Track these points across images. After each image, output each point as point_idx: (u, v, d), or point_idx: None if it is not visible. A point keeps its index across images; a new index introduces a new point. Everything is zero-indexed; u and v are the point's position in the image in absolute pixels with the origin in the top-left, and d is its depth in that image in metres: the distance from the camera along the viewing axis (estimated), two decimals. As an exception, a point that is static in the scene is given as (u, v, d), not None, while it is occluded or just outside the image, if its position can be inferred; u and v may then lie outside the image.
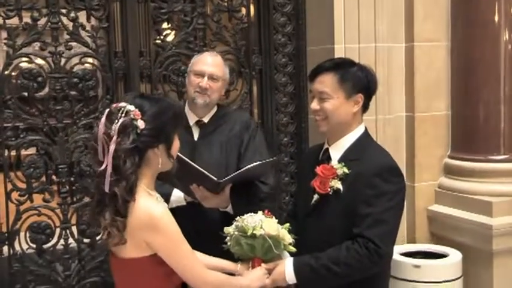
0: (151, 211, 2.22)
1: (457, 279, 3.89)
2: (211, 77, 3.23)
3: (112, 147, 2.19)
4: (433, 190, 4.35)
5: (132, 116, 2.21)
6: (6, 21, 3.76)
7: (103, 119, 2.25)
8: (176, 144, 2.36)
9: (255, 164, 3.00)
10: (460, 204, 4.15)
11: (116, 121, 2.20)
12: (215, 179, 2.93)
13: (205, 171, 2.91)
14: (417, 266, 3.86)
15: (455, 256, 3.97)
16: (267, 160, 3.07)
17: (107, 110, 2.26)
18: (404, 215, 4.27)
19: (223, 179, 2.95)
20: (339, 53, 4.09)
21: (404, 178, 4.16)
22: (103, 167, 2.22)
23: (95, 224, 2.45)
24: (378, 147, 2.76)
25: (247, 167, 2.97)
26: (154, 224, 2.21)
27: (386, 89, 4.20)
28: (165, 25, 4.23)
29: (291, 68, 4.38)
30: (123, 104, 2.25)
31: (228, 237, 2.61)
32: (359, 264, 2.50)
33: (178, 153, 2.48)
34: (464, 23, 4.20)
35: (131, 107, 2.23)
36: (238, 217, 2.61)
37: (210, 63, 3.27)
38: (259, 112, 4.42)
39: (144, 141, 2.23)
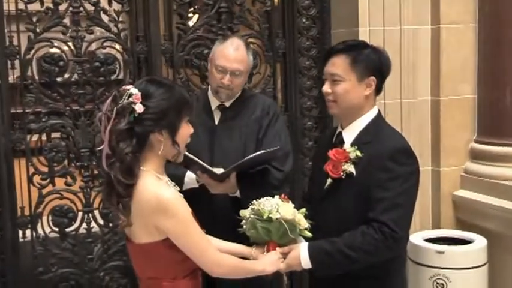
0: (160, 195, 2.22)
1: (481, 265, 3.81)
2: (234, 74, 3.16)
3: (108, 127, 2.22)
4: (458, 175, 4.27)
5: (132, 99, 2.21)
6: (28, 6, 3.75)
7: (108, 100, 2.28)
8: (184, 131, 2.33)
9: (257, 153, 2.98)
10: (486, 190, 4.07)
11: (118, 103, 2.22)
12: (215, 171, 2.92)
13: (203, 163, 2.90)
14: (441, 252, 3.79)
15: (480, 242, 3.89)
16: (271, 149, 3.03)
17: (113, 92, 2.28)
18: (430, 200, 4.32)
19: (223, 172, 2.93)
20: (364, 36, 4.01)
21: (429, 162, 4.26)
22: (101, 146, 2.25)
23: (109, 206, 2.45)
24: (391, 130, 2.72)
25: (249, 156, 2.95)
26: (163, 208, 2.21)
27: (412, 72, 4.13)
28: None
29: (315, 51, 4.32)
30: (129, 87, 2.26)
31: (244, 221, 2.60)
32: (374, 249, 2.47)
33: None
34: (492, 3, 4.08)
35: (135, 91, 2.23)
36: (254, 201, 2.59)
37: (233, 59, 3.15)
38: (282, 96, 4.39)
39: (143, 125, 2.22)
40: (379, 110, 2.71)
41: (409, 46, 4.11)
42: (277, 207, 2.52)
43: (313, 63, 4.31)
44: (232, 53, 3.16)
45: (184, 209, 2.28)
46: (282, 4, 4.29)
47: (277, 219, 2.50)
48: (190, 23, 4.19)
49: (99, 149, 2.31)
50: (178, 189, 2.38)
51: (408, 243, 3.89)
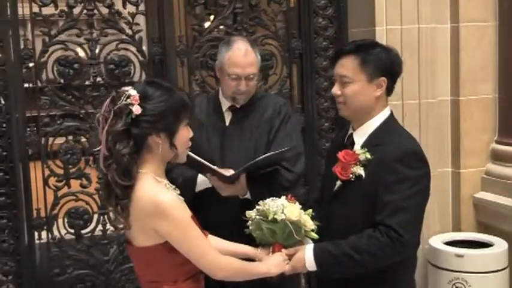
0: (158, 198, 2.20)
1: (502, 270, 3.74)
2: (248, 78, 3.12)
3: (105, 128, 2.21)
4: (479, 177, 4.18)
5: (130, 100, 2.20)
6: (42, 9, 3.79)
7: (107, 100, 2.27)
8: (183, 134, 2.31)
9: (266, 155, 2.94)
10: (508, 192, 3.98)
11: (117, 104, 2.22)
12: (223, 173, 2.89)
13: (212, 166, 2.88)
14: (460, 256, 3.74)
15: (500, 246, 3.82)
16: (281, 150, 2.98)
17: (113, 93, 2.27)
18: (450, 202, 4.23)
19: (231, 174, 2.90)
20: (381, 35, 3.97)
21: (449, 163, 4.18)
22: (99, 147, 2.25)
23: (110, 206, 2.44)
24: (402, 132, 2.64)
25: (258, 158, 2.92)
26: (160, 211, 2.19)
27: (430, 72, 4.06)
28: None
29: (332, 51, 4.24)
30: (127, 88, 2.25)
31: (250, 221, 2.57)
32: (380, 252, 2.41)
33: None
34: (513, 1, 4.00)
35: (133, 92, 2.22)
36: (260, 201, 2.56)
37: (245, 64, 3.09)
38: (299, 97, 4.35)
39: (140, 127, 2.21)
40: (391, 111, 2.65)
41: (427, 45, 4.04)
42: (283, 208, 2.49)
43: (330, 63, 4.22)
44: (243, 59, 3.10)
45: (182, 212, 2.26)
46: (298, 4, 4.25)
47: (282, 220, 2.47)
48: (206, 24, 4.17)
49: (96, 150, 2.30)
50: (178, 192, 2.35)
51: (427, 246, 3.91)
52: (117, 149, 2.20)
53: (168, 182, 2.33)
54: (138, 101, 2.21)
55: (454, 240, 3.98)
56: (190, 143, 2.38)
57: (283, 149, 2.98)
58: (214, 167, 2.90)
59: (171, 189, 2.31)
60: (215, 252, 2.33)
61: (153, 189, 2.22)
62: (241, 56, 3.10)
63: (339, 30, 4.25)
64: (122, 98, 2.22)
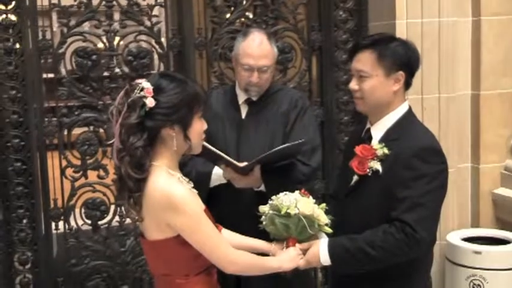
0: (170, 191, 2.19)
1: (520, 267, 3.70)
2: (261, 70, 3.09)
3: (119, 121, 2.21)
4: (498, 172, 4.13)
5: (143, 93, 2.19)
6: (61, 0, 3.79)
7: (121, 93, 2.26)
8: (197, 126, 2.30)
9: (281, 147, 2.92)
10: (528, 188, 3.94)
11: (130, 97, 2.21)
12: (237, 164, 2.88)
13: (226, 156, 2.86)
14: (478, 252, 3.69)
15: (519, 242, 3.77)
16: (296, 142, 2.96)
17: (127, 85, 2.26)
18: (469, 198, 4.19)
19: (245, 164, 2.89)
20: (401, 28, 3.93)
21: (468, 159, 4.13)
22: (112, 140, 2.24)
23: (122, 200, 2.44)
24: (420, 127, 2.61)
25: (273, 150, 2.90)
26: (173, 204, 2.18)
27: (451, 66, 4.01)
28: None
29: (352, 45, 4.20)
30: (141, 81, 2.24)
31: (263, 216, 2.55)
32: (395, 248, 2.39)
33: None
34: (536, -6, 3.94)
35: (147, 85, 2.21)
36: (273, 196, 2.54)
37: (258, 55, 3.08)
38: (318, 90, 4.31)
39: (153, 119, 2.20)
40: (409, 106, 2.62)
41: (448, 39, 3.98)
42: (296, 202, 2.47)
43: (347, 57, 4.21)
44: (256, 50, 3.08)
45: (195, 206, 2.25)
46: (319, -4, 4.21)
47: (295, 214, 2.45)
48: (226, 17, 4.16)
49: (110, 142, 2.30)
50: (192, 185, 2.34)
51: (445, 242, 3.88)
52: (131, 141, 2.20)
53: (181, 175, 2.31)
54: (152, 94, 2.20)
55: (472, 236, 3.94)
56: (204, 135, 2.36)
57: (298, 141, 2.96)
58: (228, 158, 2.89)
59: (184, 182, 2.29)
60: (228, 246, 2.32)
61: (166, 182, 2.21)
62: (255, 46, 3.09)
63: (359, 24, 4.21)
64: (136, 90, 2.21)
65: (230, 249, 2.32)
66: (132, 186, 2.22)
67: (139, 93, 2.21)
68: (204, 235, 2.25)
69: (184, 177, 2.32)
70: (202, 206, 2.31)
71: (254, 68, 3.07)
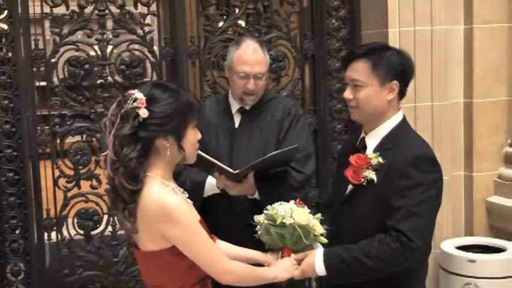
0: (164, 201, 2.17)
1: (515, 275, 3.69)
2: (257, 77, 3.10)
3: (112, 132, 2.19)
4: (492, 180, 4.13)
5: (136, 103, 2.18)
6: (53, 9, 3.79)
7: (114, 104, 2.24)
8: (191, 136, 2.28)
9: (274, 152, 2.92)
10: (522, 196, 3.94)
11: (123, 107, 2.20)
12: (231, 170, 2.87)
13: (219, 163, 2.86)
14: (472, 261, 3.68)
15: (514, 250, 3.77)
16: (289, 147, 2.96)
17: (120, 97, 2.25)
18: (462, 206, 4.18)
19: (239, 170, 2.88)
20: (394, 36, 3.94)
21: (462, 167, 4.12)
22: (106, 152, 2.23)
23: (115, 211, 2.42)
24: (415, 136, 2.61)
25: (266, 156, 2.89)
26: (167, 215, 2.16)
27: (444, 74, 4.02)
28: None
29: (345, 53, 4.17)
30: (133, 91, 2.23)
31: (258, 226, 2.54)
32: (391, 258, 2.38)
33: None
34: (527, 2, 3.96)
35: (140, 95, 2.20)
36: (269, 205, 2.53)
37: (253, 63, 3.09)
38: (311, 98, 4.31)
39: (147, 130, 2.19)
40: (404, 116, 2.62)
41: (441, 47, 3.99)
42: (291, 212, 2.45)
43: (341, 66, 4.20)
44: (251, 57, 3.09)
45: (190, 216, 2.23)
46: (311, 5, 4.22)
47: (291, 224, 2.43)
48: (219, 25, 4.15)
49: (103, 154, 2.29)
50: (186, 195, 2.32)
51: (439, 251, 3.87)
52: (125, 153, 2.18)
53: (176, 185, 2.30)
54: (145, 104, 2.18)
55: (466, 244, 3.93)
56: (198, 145, 2.35)
57: (291, 147, 2.96)
58: (222, 164, 2.88)
59: (179, 193, 2.27)
60: (223, 257, 2.30)
61: (160, 193, 2.19)
62: (249, 54, 3.10)
63: (352, 32, 4.21)
64: (129, 101, 2.20)
65: (225, 260, 2.30)
66: (126, 198, 2.20)
67: (132, 103, 2.19)
68: (199, 246, 2.23)
69: (178, 188, 2.30)
70: (198, 217, 2.29)
71: (250, 75, 3.07)
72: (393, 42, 3.82)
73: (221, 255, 2.31)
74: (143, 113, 2.18)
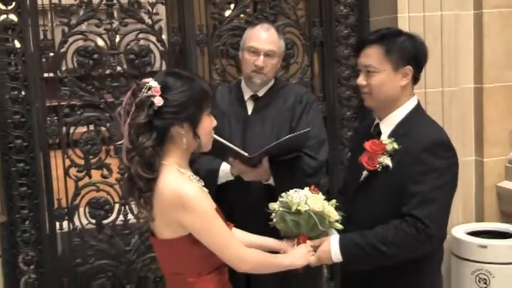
0: (180, 189, 2.18)
1: (526, 260, 3.69)
2: (267, 54, 3.11)
3: (127, 121, 2.20)
4: (503, 166, 4.10)
5: (151, 92, 2.18)
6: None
7: (129, 93, 2.24)
8: (206, 123, 2.29)
9: (287, 136, 2.92)
10: (533, 181, 3.93)
11: (138, 96, 2.20)
12: (246, 154, 2.87)
13: (234, 147, 2.85)
14: (483, 246, 3.68)
15: (525, 236, 3.76)
16: (300, 131, 2.96)
17: (134, 85, 2.25)
18: (473, 192, 4.17)
19: (253, 154, 2.88)
20: (403, 22, 3.91)
21: (472, 152, 4.12)
22: (122, 141, 2.24)
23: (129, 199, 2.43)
24: (430, 122, 2.59)
25: (279, 140, 2.90)
26: (183, 203, 2.17)
27: (454, 59, 3.99)
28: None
29: (354, 39, 4.20)
30: (148, 80, 2.23)
31: (274, 214, 2.54)
32: (407, 244, 2.38)
33: None
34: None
35: (154, 84, 2.20)
36: (283, 193, 2.52)
37: (264, 40, 3.12)
38: (320, 86, 4.31)
39: (162, 118, 2.19)
40: (418, 101, 2.60)
41: (450, 32, 3.97)
42: (306, 199, 2.45)
43: (351, 52, 4.17)
44: (263, 34, 3.13)
45: (206, 204, 2.23)
46: (319, -8, 4.19)
47: (306, 211, 2.43)
48: (226, 13, 4.15)
49: (119, 143, 2.29)
50: (202, 183, 2.32)
51: (450, 237, 3.87)
52: (140, 141, 2.18)
53: (191, 173, 2.30)
54: (160, 93, 2.19)
55: (477, 230, 3.93)
56: (213, 132, 2.35)
57: (304, 130, 2.96)
58: (237, 148, 2.87)
59: (194, 181, 2.28)
60: (239, 245, 2.30)
61: (176, 181, 2.20)
62: (262, 31, 3.15)
63: (360, 18, 4.20)
64: (143, 90, 2.20)
65: (242, 248, 2.30)
66: (142, 186, 2.20)
67: (146, 92, 2.19)
68: (215, 234, 2.24)
69: (194, 176, 2.30)
70: (213, 205, 2.30)
71: (260, 51, 3.09)
72: (402, 28, 3.65)
73: (237, 243, 2.30)
74: (158, 101, 2.18)
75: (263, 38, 3.11)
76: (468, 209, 4.14)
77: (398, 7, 3.94)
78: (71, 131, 3.89)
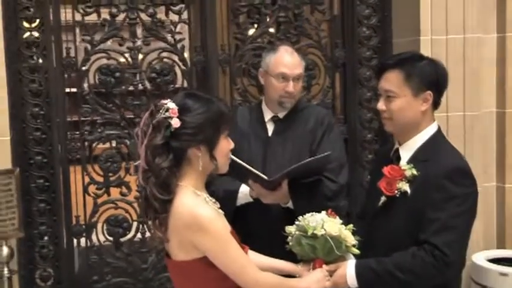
0: (196, 211, 2.16)
1: (547, 289, 3.62)
2: (296, 79, 3.10)
3: (144, 142, 2.19)
4: (525, 192, 4.07)
5: (168, 113, 2.18)
6: (85, 18, 3.83)
7: (146, 114, 2.24)
8: (224, 146, 2.27)
9: (307, 160, 2.90)
10: (556, 208, 3.87)
11: (156, 117, 2.19)
12: (265, 177, 2.84)
13: (253, 169, 2.84)
14: (504, 274, 3.63)
15: (548, 265, 3.70)
16: (323, 155, 2.94)
17: (152, 106, 2.24)
18: (494, 218, 4.12)
19: (273, 178, 2.86)
20: (425, 45, 3.91)
21: (494, 178, 4.07)
22: (138, 161, 2.23)
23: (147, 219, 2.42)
24: (450, 148, 2.56)
25: (299, 163, 2.87)
26: (199, 225, 2.15)
27: (476, 83, 3.97)
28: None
29: (376, 61, 4.18)
30: (166, 101, 2.22)
31: (290, 237, 2.52)
32: (424, 272, 2.34)
33: None
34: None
35: (172, 105, 2.19)
36: (300, 216, 2.51)
37: (291, 65, 3.09)
38: (341, 107, 4.29)
39: (179, 140, 2.18)
40: (439, 126, 2.58)
41: (473, 55, 3.95)
42: (323, 222, 2.43)
43: (373, 73, 4.14)
44: (290, 59, 3.10)
45: (221, 227, 2.21)
46: (342, 14, 4.20)
47: (322, 235, 2.41)
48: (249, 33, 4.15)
49: (136, 164, 2.29)
50: (218, 205, 2.31)
51: (471, 263, 3.82)
52: (156, 162, 2.17)
53: (208, 195, 2.29)
54: (177, 114, 2.18)
55: (498, 257, 3.88)
56: (230, 154, 2.33)
57: (325, 154, 2.93)
58: (256, 171, 2.85)
59: (210, 203, 2.26)
60: (254, 268, 2.28)
61: (192, 203, 2.18)
62: (288, 56, 3.11)
63: (383, 40, 4.19)
64: (161, 111, 2.19)
65: (257, 272, 2.27)
66: (158, 207, 2.19)
67: (164, 113, 2.18)
68: (230, 257, 2.21)
69: (210, 198, 2.28)
70: (229, 227, 2.28)
71: (290, 77, 3.06)
72: (425, 50, 3.78)
73: (252, 266, 2.28)
74: (175, 122, 2.17)
75: (291, 63, 3.08)
76: (489, 235, 4.08)
77: (421, 29, 3.93)
78: (91, 148, 3.90)
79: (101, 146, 3.94)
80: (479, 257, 3.85)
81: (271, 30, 4.15)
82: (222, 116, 2.26)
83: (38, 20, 3.73)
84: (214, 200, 2.31)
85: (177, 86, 4.02)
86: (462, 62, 3.92)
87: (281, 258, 2.57)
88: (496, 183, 4.09)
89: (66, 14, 3.84)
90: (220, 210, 2.30)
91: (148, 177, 2.20)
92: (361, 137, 4.21)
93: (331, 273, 2.46)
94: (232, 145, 2.33)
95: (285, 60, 3.08)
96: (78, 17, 3.83)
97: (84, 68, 3.85)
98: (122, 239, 3.95)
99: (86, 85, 3.92)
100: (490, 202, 4.07)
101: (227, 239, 2.22)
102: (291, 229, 2.52)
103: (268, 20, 4.09)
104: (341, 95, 4.29)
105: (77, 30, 3.92)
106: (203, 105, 2.23)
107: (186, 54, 4.03)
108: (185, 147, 2.20)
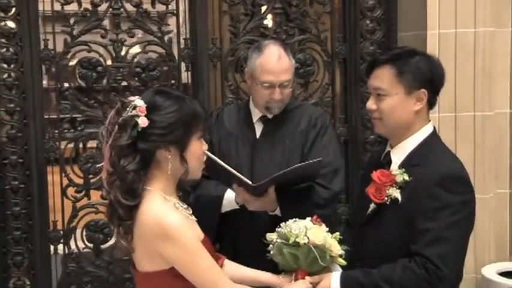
0: (163, 219, 1.99)
1: None
2: (283, 85, 2.87)
3: (109, 142, 2.04)
4: (540, 199, 3.84)
5: (136, 111, 2.01)
6: (65, 7, 3.65)
7: (112, 111, 2.08)
8: (196, 148, 2.11)
9: (297, 165, 2.69)
10: None
11: (122, 115, 2.04)
12: (249, 182, 2.64)
13: (236, 173, 2.64)
14: (515, 288, 3.41)
15: (562, 278, 3.46)
16: (312, 160, 2.73)
17: (119, 103, 2.08)
18: (507, 228, 3.89)
19: (258, 183, 2.66)
20: (433, 39, 3.70)
21: (507, 184, 3.79)
22: (102, 163, 2.07)
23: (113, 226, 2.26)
24: (445, 151, 2.38)
25: (288, 169, 2.67)
26: (166, 233, 1.98)
27: (488, 81, 3.75)
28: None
29: (370, 60, 3.93)
30: (134, 98, 2.07)
31: (271, 245, 2.33)
32: (414, 286, 2.18)
33: (208, 153, 2.25)
34: None
35: (140, 102, 2.03)
36: (282, 223, 2.33)
37: (277, 71, 2.85)
38: (342, 106, 4.07)
39: (147, 141, 2.02)
40: (434, 128, 2.40)
41: (485, 51, 3.73)
42: (306, 230, 2.24)
43: (364, 74, 3.95)
44: (276, 65, 2.85)
45: (190, 236, 2.04)
46: (343, 5, 3.97)
47: (305, 244, 2.23)
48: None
49: (99, 165, 2.13)
50: (190, 211, 2.14)
51: (480, 277, 3.60)
52: (122, 164, 2.02)
53: (178, 200, 2.12)
54: (145, 113, 2.02)
55: (509, 270, 3.65)
56: (204, 158, 2.16)
57: (316, 160, 2.73)
58: (239, 175, 2.65)
59: (181, 209, 2.10)
60: (226, 281, 2.11)
61: (160, 209, 2.02)
62: (274, 62, 2.85)
63: (388, 34, 3.97)
64: (128, 109, 2.03)
65: (229, 284, 2.12)
66: (122, 214, 2.04)
67: (131, 111, 2.02)
68: (199, 268, 2.05)
69: (181, 203, 2.12)
70: (200, 236, 2.11)
71: (276, 84, 2.83)
72: (432, 45, 3.62)
73: (224, 279, 2.11)
74: (143, 121, 2.02)
75: (276, 69, 2.84)
76: (501, 246, 3.86)
77: (428, 23, 3.73)
78: (70, 148, 3.73)
79: (80, 145, 3.75)
80: (489, 269, 3.64)
81: (266, 22, 3.93)
82: (194, 116, 2.10)
83: (13, 9, 3.54)
84: (185, 206, 2.15)
85: (163, 82, 3.83)
86: (473, 57, 3.71)
87: (268, 270, 2.38)
88: (509, 190, 3.86)
89: (45, 3, 3.62)
90: (193, 217, 2.15)
91: (113, 180, 2.04)
92: (363, 138, 4.00)
93: (314, 285, 2.29)
94: (205, 147, 2.17)
95: (271, 67, 2.85)
96: (57, 6, 3.61)
97: (63, 62, 3.66)
98: (103, 246, 3.77)
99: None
100: (503, 210, 3.83)
101: (197, 249, 2.05)
102: (272, 236, 2.34)
103: (263, 11, 3.85)
104: (342, 93, 4.06)
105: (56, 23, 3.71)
106: (174, 104, 2.07)
107: (174, 49, 3.82)
108: (153, 149, 2.04)
